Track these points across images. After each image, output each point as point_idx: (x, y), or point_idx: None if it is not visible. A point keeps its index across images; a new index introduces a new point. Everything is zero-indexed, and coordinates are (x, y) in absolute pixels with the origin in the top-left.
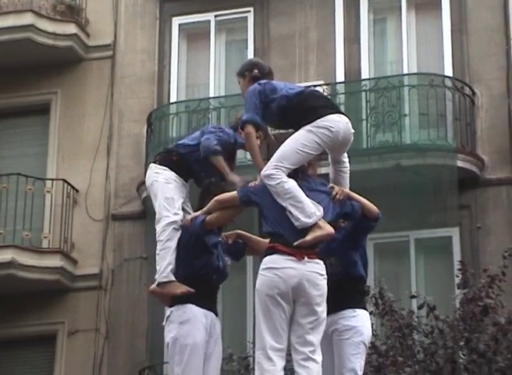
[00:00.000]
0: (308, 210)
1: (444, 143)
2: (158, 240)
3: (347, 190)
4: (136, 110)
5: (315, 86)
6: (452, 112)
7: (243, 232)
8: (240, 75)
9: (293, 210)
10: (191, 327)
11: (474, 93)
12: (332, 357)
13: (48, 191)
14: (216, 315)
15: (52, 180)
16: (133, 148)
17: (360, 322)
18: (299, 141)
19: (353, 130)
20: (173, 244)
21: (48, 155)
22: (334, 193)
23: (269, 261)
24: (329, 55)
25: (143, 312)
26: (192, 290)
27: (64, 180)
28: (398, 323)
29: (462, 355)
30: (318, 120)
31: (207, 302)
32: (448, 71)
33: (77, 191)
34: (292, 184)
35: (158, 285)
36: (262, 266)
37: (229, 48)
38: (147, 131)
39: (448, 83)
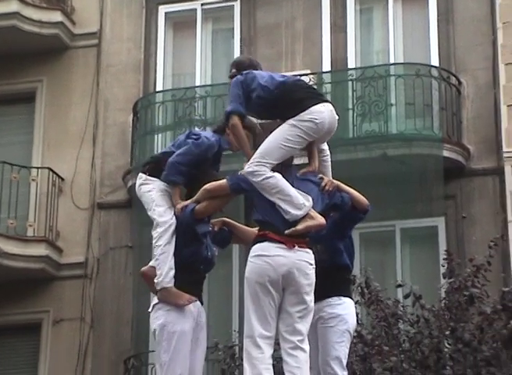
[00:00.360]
0: (297, 202)
1: (430, 133)
2: (157, 245)
3: (336, 181)
4: (121, 99)
5: (301, 75)
6: (438, 101)
7: (230, 220)
8: (229, 78)
9: (281, 204)
10: (179, 315)
11: (460, 83)
12: (317, 345)
13: (33, 180)
14: (202, 304)
15: (38, 168)
16: (119, 136)
17: (346, 310)
18: (282, 136)
19: (337, 117)
20: (172, 247)
21: (34, 143)
22: (323, 184)
23: (259, 248)
24: (316, 45)
25: (128, 301)
26: (194, 298)
27: (49, 169)
28: (384, 313)
29: (447, 345)
30: (302, 113)
31: (194, 291)
32: (434, 61)
33: (63, 179)
34: (278, 178)
35: (160, 290)
36: (252, 253)
37: (215, 37)
38: (132, 120)
39: (434, 73)
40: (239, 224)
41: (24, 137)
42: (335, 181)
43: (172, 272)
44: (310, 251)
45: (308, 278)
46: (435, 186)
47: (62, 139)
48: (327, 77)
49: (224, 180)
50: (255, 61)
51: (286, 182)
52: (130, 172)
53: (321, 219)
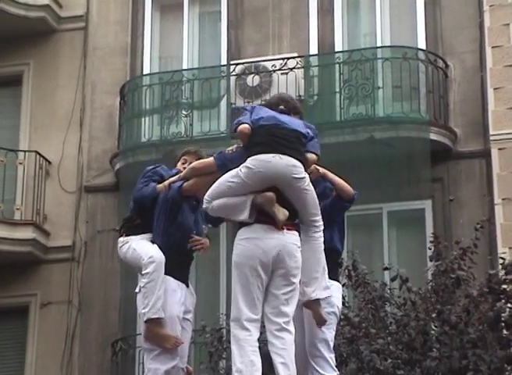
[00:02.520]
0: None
1: (417, 116)
2: (144, 273)
3: (323, 169)
4: (109, 82)
5: (288, 58)
6: (425, 84)
7: None
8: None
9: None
10: (166, 299)
11: (447, 66)
12: (303, 326)
13: (20, 163)
14: (187, 286)
15: (25, 151)
16: (106, 119)
17: (333, 293)
18: (229, 175)
19: (298, 175)
20: (160, 276)
21: (21, 126)
22: (308, 172)
23: (249, 231)
24: (303, 28)
25: (115, 284)
26: (182, 341)
27: (36, 152)
28: (371, 295)
29: (434, 327)
30: (248, 159)
31: (181, 274)
32: (421, 44)
33: (50, 162)
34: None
35: (146, 322)
36: (240, 236)
37: (202, 20)
38: (120, 103)
39: (421, 55)
40: None
41: (11, 121)
42: (321, 169)
43: (160, 302)
44: (296, 234)
45: (296, 261)
46: (422, 169)
47: (49, 122)
48: (314, 60)
49: (211, 159)
50: (282, 99)
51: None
52: (117, 155)
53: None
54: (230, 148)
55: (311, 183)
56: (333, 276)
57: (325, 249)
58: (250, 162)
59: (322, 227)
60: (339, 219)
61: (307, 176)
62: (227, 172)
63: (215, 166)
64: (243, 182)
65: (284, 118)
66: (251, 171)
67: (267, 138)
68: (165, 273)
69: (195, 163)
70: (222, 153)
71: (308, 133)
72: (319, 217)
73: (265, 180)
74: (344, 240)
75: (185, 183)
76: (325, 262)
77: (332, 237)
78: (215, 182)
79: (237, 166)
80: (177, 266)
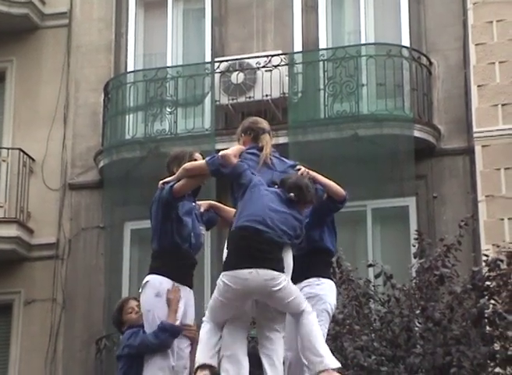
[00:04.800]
0: None
1: (401, 113)
2: None
3: (313, 173)
4: (93, 79)
5: (273, 56)
6: (409, 82)
7: (216, 203)
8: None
9: None
10: (165, 301)
11: (431, 63)
12: (295, 324)
13: (3, 160)
14: (191, 288)
15: (8, 149)
16: (90, 117)
17: (325, 291)
18: (214, 295)
19: (277, 287)
20: None
21: (4, 123)
22: (299, 173)
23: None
24: (287, 25)
25: (100, 282)
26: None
27: (20, 149)
28: (355, 292)
29: (418, 324)
30: (226, 274)
31: (182, 276)
32: (405, 41)
33: (33, 160)
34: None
35: None
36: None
37: (186, 17)
38: (104, 100)
39: (405, 53)
40: (225, 206)
41: None
42: (311, 172)
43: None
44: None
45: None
46: (406, 166)
47: (32, 120)
48: (298, 58)
49: (204, 162)
50: (297, 186)
51: None
52: (102, 152)
53: None
54: (225, 151)
55: (291, 286)
56: (325, 274)
57: (315, 248)
58: (229, 279)
59: (311, 309)
60: (329, 219)
61: (286, 282)
62: (218, 177)
63: (207, 170)
64: (225, 299)
65: (276, 215)
66: (230, 288)
67: (245, 250)
68: (168, 276)
69: (188, 164)
70: (215, 158)
71: (301, 228)
72: (305, 304)
73: (246, 295)
74: (336, 240)
75: (176, 184)
76: (321, 331)
77: (321, 236)
78: (203, 182)
79: (229, 172)
80: (179, 270)
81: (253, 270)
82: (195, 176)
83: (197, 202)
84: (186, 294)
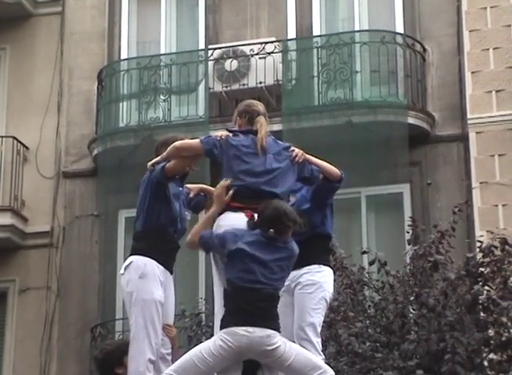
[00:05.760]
0: None
1: (395, 100)
2: None
3: (307, 155)
4: (86, 67)
5: (266, 43)
6: (403, 68)
7: (207, 186)
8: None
9: None
10: (149, 283)
11: (425, 50)
12: (293, 310)
13: None
14: (171, 273)
15: (2, 137)
16: (84, 105)
17: (324, 278)
18: (200, 351)
19: (272, 347)
20: None
21: None
22: (294, 154)
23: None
24: (281, 12)
25: (94, 270)
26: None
27: (14, 138)
28: (349, 279)
29: (412, 310)
30: (223, 332)
31: (166, 260)
32: (399, 28)
33: (27, 148)
34: None
35: None
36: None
37: (180, 5)
38: (97, 88)
39: (399, 39)
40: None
41: None
42: (305, 154)
43: None
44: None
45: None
46: (400, 153)
47: (26, 108)
48: (292, 45)
49: (197, 141)
50: (286, 217)
51: None
52: (95, 140)
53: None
54: (219, 133)
55: (286, 347)
56: (325, 262)
57: (316, 234)
58: (225, 336)
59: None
60: (329, 202)
61: (281, 343)
62: (211, 157)
63: (201, 150)
64: (220, 356)
65: (265, 270)
66: (226, 345)
67: (240, 307)
68: (152, 257)
69: (179, 143)
70: (210, 138)
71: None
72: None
73: (241, 353)
74: (333, 224)
75: (167, 164)
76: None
77: (323, 221)
78: (196, 162)
79: (222, 157)
80: (163, 253)
81: (249, 328)
82: (187, 156)
83: (188, 186)
84: (168, 279)
